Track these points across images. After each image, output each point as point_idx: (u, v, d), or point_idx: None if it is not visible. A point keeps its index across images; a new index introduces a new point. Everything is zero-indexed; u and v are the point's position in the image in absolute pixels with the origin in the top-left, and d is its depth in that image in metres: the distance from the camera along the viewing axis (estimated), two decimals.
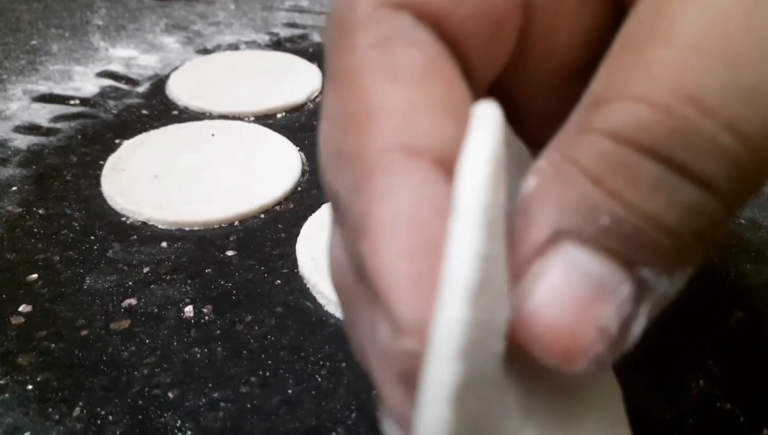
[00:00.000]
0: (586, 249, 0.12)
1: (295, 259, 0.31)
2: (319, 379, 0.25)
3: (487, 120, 0.12)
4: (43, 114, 0.43)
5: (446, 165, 0.13)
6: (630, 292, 0.12)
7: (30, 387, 0.24)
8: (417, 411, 0.11)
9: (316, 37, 0.56)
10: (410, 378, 0.12)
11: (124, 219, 0.33)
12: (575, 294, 0.12)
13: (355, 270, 0.13)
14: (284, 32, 0.57)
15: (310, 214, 0.33)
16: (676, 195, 0.12)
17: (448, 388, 0.11)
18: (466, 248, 0.11)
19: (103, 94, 0.45)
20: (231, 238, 0.32)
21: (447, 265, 0.11)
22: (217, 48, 0.53)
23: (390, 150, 0.13)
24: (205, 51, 0.53)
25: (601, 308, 0.12)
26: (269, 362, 0.26)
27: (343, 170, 0.13)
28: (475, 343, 0.11)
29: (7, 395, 0.24)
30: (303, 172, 0.37)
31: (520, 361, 0.13)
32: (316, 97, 0.46)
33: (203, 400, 0.24)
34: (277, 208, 0.35)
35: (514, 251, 0.13)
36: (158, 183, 0.35)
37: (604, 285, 0.12)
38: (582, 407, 0.16)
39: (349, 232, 0.13)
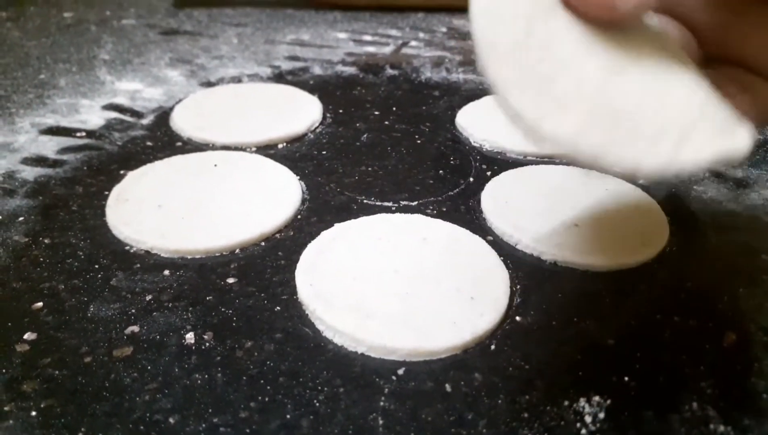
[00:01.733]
0: None
1: (295, 286, 0.31)
2: (317, 404, 0.26)
3: None
4: (50, 146, 0.44)
5: None
6: None
7: (34, 413, 0.25)
8: None
9: (316, 70, 0.58)
10: None
11: (127, 248, 0.34)
12: None
13: None
14: (286, 65, 0.59)
15: (310, 242, 0.34)
16: None
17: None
18: None
19: (109, 126, 0.47)
20: (232, 266, 0.33)
21: None
22: (221, 81, 0.55)
23: None
24: (209, 84, 0.54)
25: None
26: (268, 388, 0.26)
27: None
28: None
29: (11, 422, 0.24)
30: (303, 201, 0.38)
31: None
32: (316, 127, 0.47)
33: (203, 425, 0.25)
34: (278, 235, 0.35)
35: None
36: (161, 212, 0.36)
37: None
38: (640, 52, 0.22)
39: None
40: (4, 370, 0.26)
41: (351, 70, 0.58)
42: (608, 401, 0.26)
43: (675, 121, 0.21)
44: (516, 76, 0.19)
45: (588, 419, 0.25)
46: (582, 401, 0.26)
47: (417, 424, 0.25)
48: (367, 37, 0.66)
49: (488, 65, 0.19)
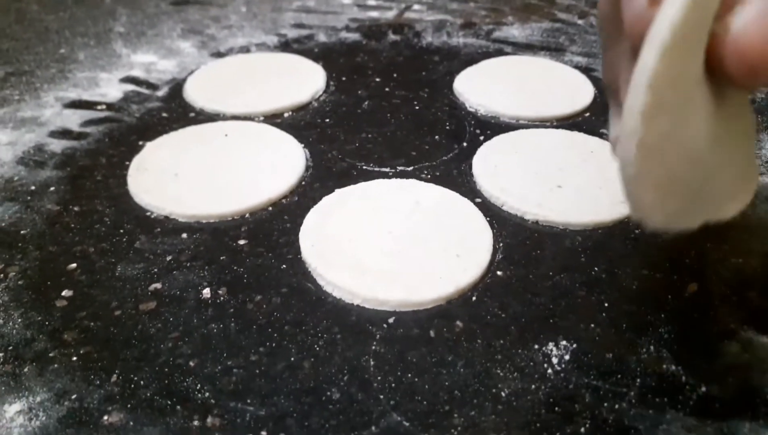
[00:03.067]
0: None
1: (299, 247, 0.35)
2: (318, 348, 0.29)
3: None
4: (74, 119, 0.47)
5: None
6: None
7: (75, 358, 0.29)
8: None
9: (321, 37, 0.60)
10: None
11: (148, 214, 0.38)
12: None
13: None
14: (292, 33, 0.61)
15: (312, 206, 0.37)
16: None
17: (641, 108, 0.19)
18: (656, 44, 0.18)
19: (127, 99, 0.50)
20: (242, 229, 0.37)
21: (651, 31, 0.18)
22: (230, 51, 0.58)
23: None
24: (219, 54, 0.57)
25: None
26: (275, 335, 0.30)
27: None
28: (661, 79, 0.18)
29: (56, 365, 0.29)
30: (307, 168, 0.41)
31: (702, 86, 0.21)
32: (321, 95, 0.50)
33: (219, 367, 0.28)
34: (284, 201, 0.39)
35: None
36: (178, 181, 0.39)
37: None
38: (733, 128, 0.24)
39: None
40: (47, 323, 0.31)
41: (354, 36, 0.61)
42: (574, 345, 0.30)
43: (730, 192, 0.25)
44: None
45: (555, 360, 0.29)
46: (550, 345, 0.30)
47: (403, 364, 0.29)
48: (371, 2, 0.68)
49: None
